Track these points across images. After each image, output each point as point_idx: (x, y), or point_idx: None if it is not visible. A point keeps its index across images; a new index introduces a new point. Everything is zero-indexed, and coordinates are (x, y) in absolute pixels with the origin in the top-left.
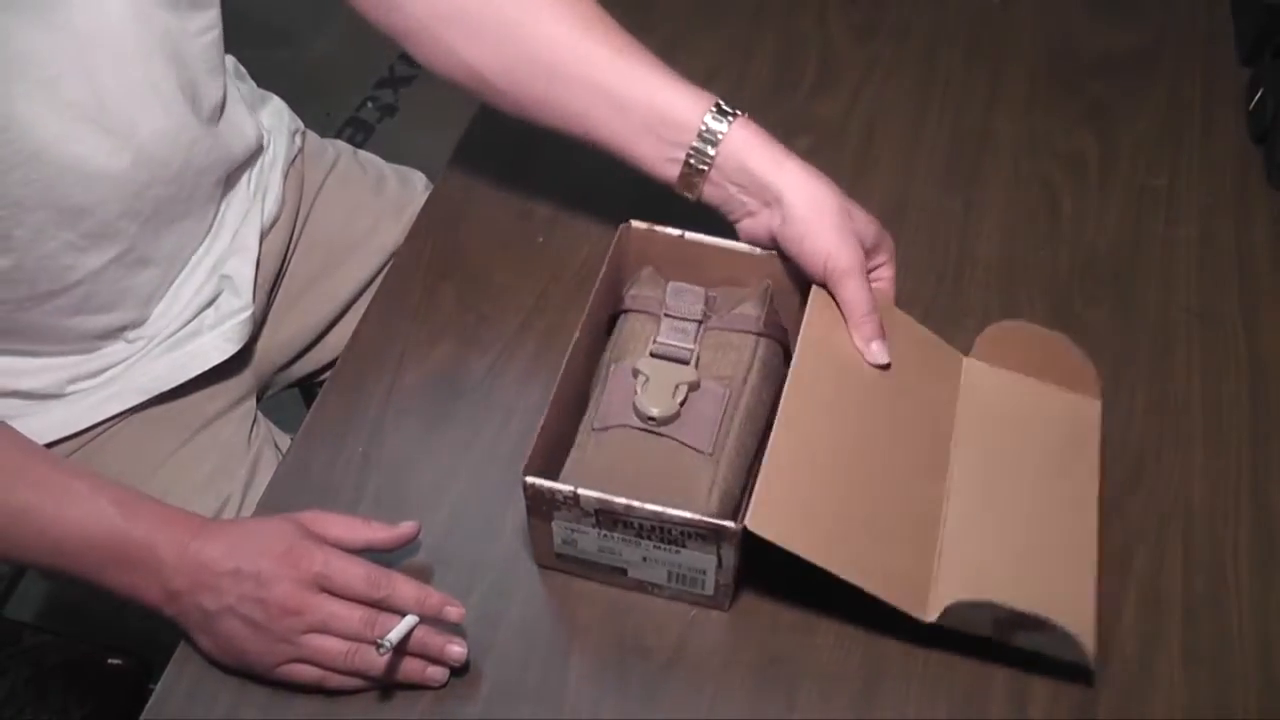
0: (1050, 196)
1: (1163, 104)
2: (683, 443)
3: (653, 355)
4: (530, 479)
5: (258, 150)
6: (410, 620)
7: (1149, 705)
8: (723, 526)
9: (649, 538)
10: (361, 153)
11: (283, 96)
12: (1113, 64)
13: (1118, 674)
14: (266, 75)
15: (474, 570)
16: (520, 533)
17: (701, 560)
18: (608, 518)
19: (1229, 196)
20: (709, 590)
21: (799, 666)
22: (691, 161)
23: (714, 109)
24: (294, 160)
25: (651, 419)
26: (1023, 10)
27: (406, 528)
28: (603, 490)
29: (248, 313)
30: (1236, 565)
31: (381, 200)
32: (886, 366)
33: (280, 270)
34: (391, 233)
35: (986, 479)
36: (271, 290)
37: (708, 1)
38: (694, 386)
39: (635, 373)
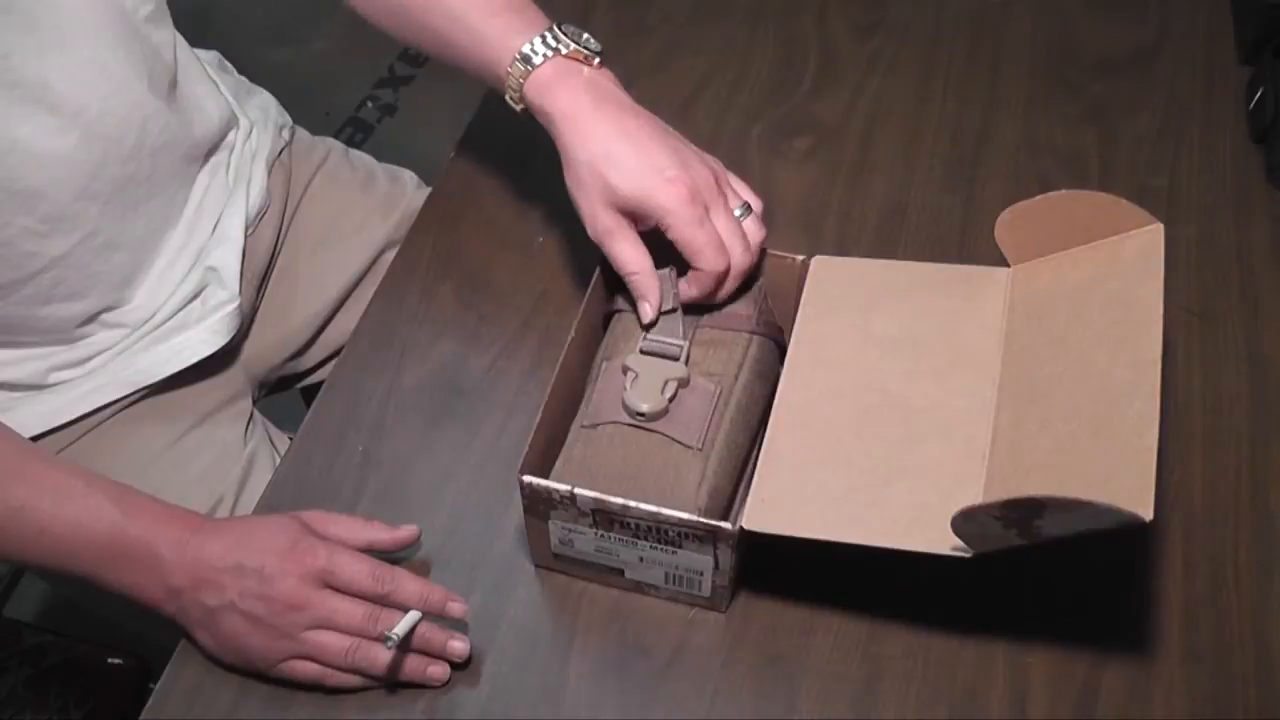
0: None
1: (1163, 104)
2: (672, 438)
3: (642, 352)
4: (527, 478)
5: (223, 131)
6: (413, 616)
7: (1149, 705)
8: (719, 527)
9: (646, 538)
10: (352, 151)
11: (282, 96)
12: (1113, 64)
13: (1118, 674)
14: (266, 75)
15: (474, 570)
16: (520, 533)
17: (698, 561)
18: (604, 517)
19: (1229, 196)
20: (706, 592)
21: (799, 666)
22: (513, 103)
23: (527, 49)
24: (280, 154)
25: (640, 415)
26: (1023, 10)
27: (407, 531)
28: (592, 486)
29: (234, 305)
30: (1236, 565)
31: (370, 197)
32: (655, 322)
33: (268, 265)
34: (380, 229)
35: (1038, 376)
36: (260, 286)
37: (708, 2)
38: (684, 383)
39: (625, 369)
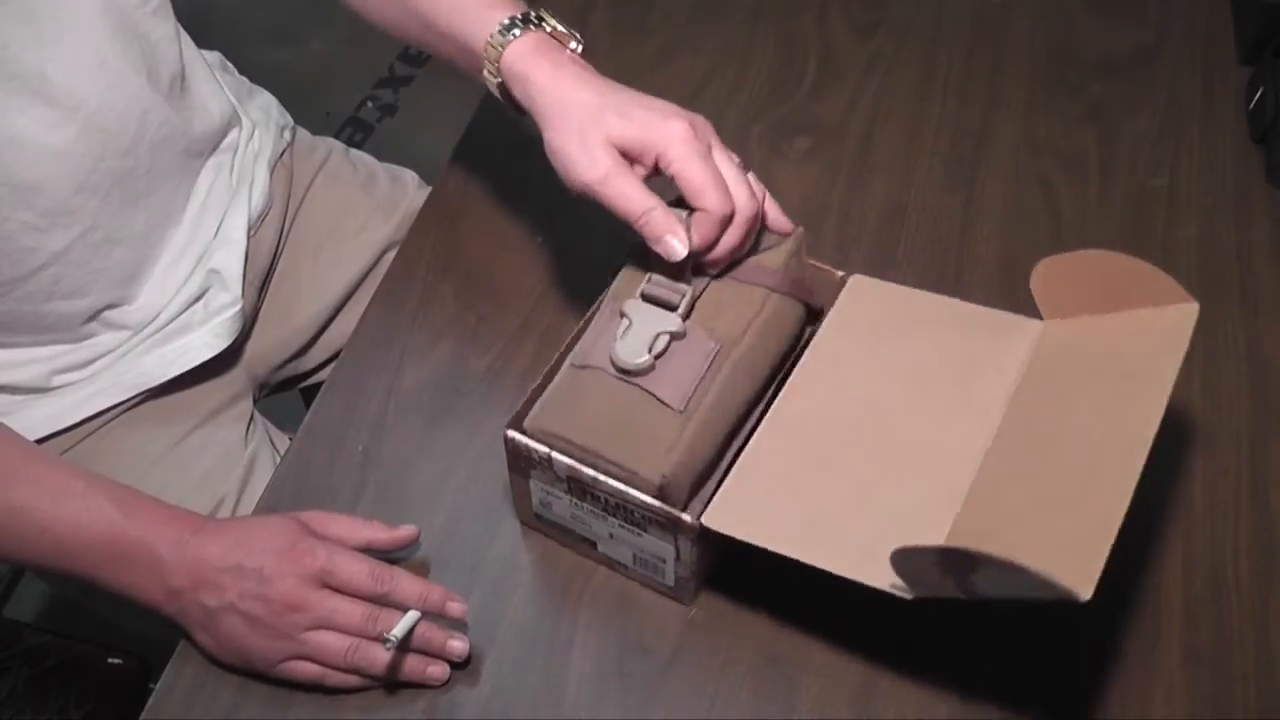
0: (1050, 196)
1: (1163, 104)
2: (654, 395)
3: (643, 297)
4: (511, 433)
5: (225, 129)
6: (413, 616)
7: (1149, 705)
8: (679, 519)
9: (614, 515)
10: (353, 151)
11: (282, 96)
12: (1113, 64)
13: (1118, 674)
14: (266, 75)
15: (474, 570)
16: (520, 533)
17: (661, 549)
18: (578, 486)
19: (1229, 196)
20: (669, 581)
21: (799, 666)
22: (490, 76)
23: (508, 20)
24: (282, 155)
25: (625, 371)
26: (1023, 10)
27: (406, 531)
28: (570, 430)
29: (237, 308)
30: (1236, 565)
31: (372, 197)
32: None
33: (270, 266)
34: (382, 229)
35: (1034, 434)
36: (262, 287)
37: (707, 2)
38: (678, 336)
39: (621, 315)
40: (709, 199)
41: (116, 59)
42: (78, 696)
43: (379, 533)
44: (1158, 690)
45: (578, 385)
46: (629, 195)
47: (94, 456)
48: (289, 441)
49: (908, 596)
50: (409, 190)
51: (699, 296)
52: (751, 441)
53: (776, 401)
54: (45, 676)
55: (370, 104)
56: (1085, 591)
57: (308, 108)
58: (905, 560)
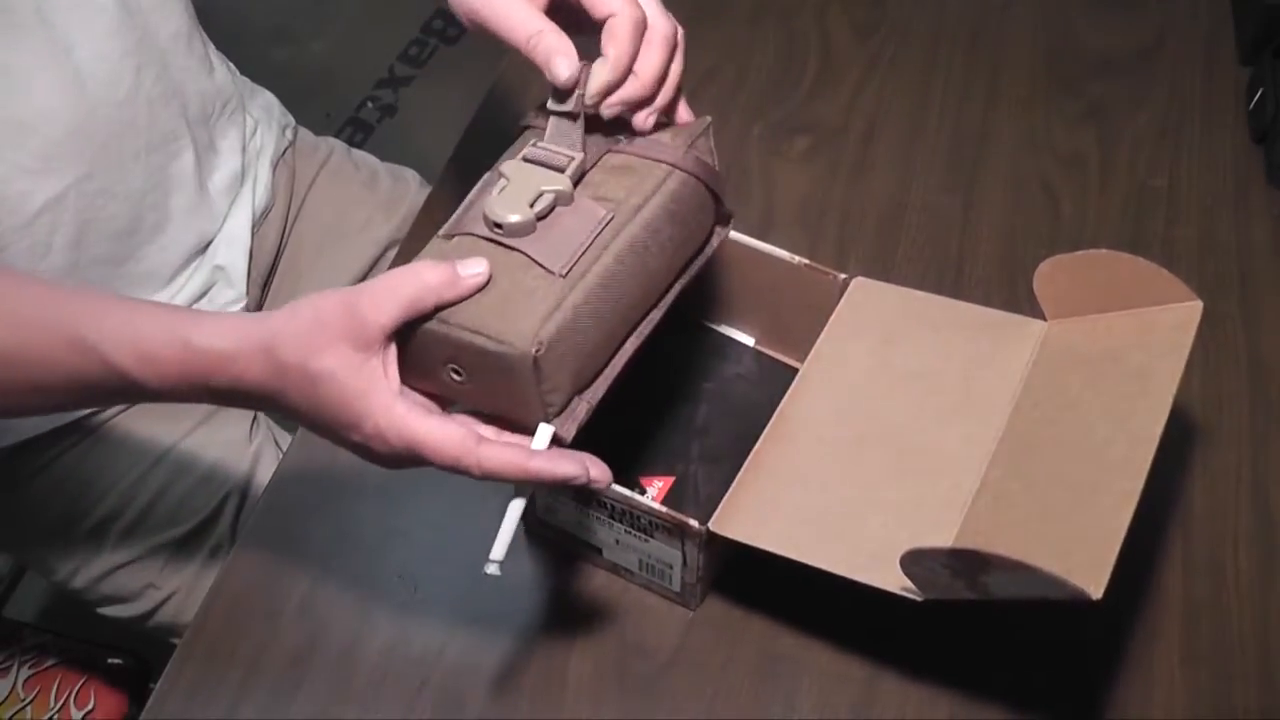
0: (1050, 196)
1: (1163, 104)
2: (530, 257)
3: (525, 159)
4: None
5: (226, 98)
6: (515, 510)
7: (1149, 705)
8: (686, 524)
9: (621, 521)
10: (355, 151)
11: (282, 96)
12: (1113, 64)
13: (1118, 674)
14: (266, 75)
15: (474, 570)
16: (522, 532)
17: (668, 554)
18: (583, 493)
19: (1229, 196)
20: (676, 586)
21: (799, 666)
22: None
23: None
24: (284, 154)
25: (499, 227)
26: (1023, 10)
27: (473, 273)
28: None
29: (240, 304)
30: (1236, 565)
31: (374, 195)
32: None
33: (273, 264)
34: (384, 228)
35: (1040, 435)
36: (265, 284)
37: (707, 1)
38: (564, 199)
39: (499, 176)
40: (616, 2)
41: (114, 10)
42: (78, 696)
43: (445, 291)
44: (1158, 690)
45: (445, 255)
46: (518, 13)
47: (98, 452)
48: (291, 439)
49: (919, 599)
50: (411, 189)
51: (590, 169)
52: (757, 446)
53: (781, 405)
54: (45, 676)
55: (370, 104)
56: (1096, 590)
57: (308, 108)
58: (915, 563)
